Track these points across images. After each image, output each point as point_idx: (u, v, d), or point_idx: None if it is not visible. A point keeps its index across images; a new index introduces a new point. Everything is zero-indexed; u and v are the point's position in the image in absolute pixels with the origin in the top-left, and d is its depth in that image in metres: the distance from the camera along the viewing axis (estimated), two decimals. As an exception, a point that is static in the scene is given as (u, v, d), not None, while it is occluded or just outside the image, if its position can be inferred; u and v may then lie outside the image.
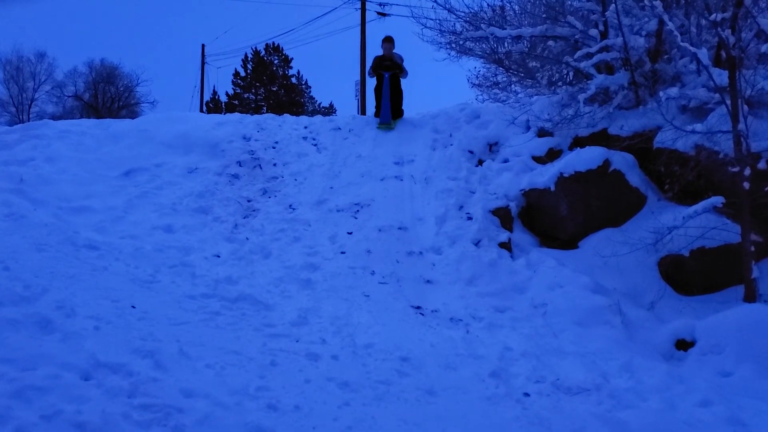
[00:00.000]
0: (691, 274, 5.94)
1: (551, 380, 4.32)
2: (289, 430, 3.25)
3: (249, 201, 7.42)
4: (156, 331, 4.20)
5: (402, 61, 9.41)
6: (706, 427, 3.74)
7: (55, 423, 2.84)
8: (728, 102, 5.53)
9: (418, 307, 5.57)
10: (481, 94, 10.48)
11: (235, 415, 3.30)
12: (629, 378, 4.42)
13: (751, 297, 5.28)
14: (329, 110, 35.68)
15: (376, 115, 9.29)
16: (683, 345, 5.04)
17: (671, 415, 3.89)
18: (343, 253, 6.35)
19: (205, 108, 33.07)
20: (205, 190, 7.43)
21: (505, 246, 6.54)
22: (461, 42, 8.89)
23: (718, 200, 5.48)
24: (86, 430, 2.84)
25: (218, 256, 6.12)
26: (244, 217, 7.07)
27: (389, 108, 9.06)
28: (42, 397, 3.00)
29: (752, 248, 5.31)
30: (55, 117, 28.24)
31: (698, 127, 5.82)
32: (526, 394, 4.11)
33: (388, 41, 9.47)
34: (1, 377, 3.06)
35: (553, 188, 6.80)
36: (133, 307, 4.52)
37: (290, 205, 7.32)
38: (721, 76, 5.71)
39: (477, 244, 6.48)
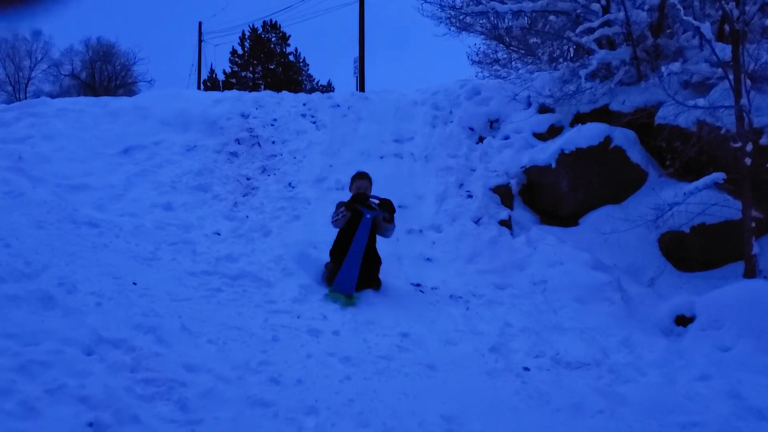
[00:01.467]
0: (691, 251, 5.95)
1: (551, 355, 4.34)
2: (292, 403, 3.26)
3: (248, 179, 7.39)
4: (157, 307, 4.20)
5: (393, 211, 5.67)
6: (705, 400, 3.76)
7: (58, 396, 2.85)
8: (731, 77, 5.48)
9: (418, 285, 5.58)
10: (482, 71, 10.41)
11: (238, 389, 3.31)
12: (629, 353, 4.44)
13: (751, 273, 5.29)
14: (327, 88, 35.36)
15: (328, 281, 5.33)
16: (683, 321, 5.06)
17: (670, 389, 3.91)
18: (343, 230, 6.33)
19: (202, 87, 32.76)
20: (204, 168, 7.40)
21: (506, 223, 6.54)
22: (461, 17, 8.80)
23: (719, 176, 5.45)
24: (89, 403, 2.84)
25: (218, 234, 6.12)
26: (244, 195, 7.06)
27: (357, 272, 5.17)
28: (45, 371, 3.01)
29: (753, 224, 5.31)
30: (51, 96, 27.96)
31: (700, 102, 5.77)
32: (526, 369, 4.13)
33: (364, 177, 5.85)
34: (5, 352, 3.06)
35: (553, 165, 6.78)
36: (135, 283, 4.53)
37: (290, 183, 7.29)
38: (724, 51, 5.65)
39: (477, 221, 6.48)
